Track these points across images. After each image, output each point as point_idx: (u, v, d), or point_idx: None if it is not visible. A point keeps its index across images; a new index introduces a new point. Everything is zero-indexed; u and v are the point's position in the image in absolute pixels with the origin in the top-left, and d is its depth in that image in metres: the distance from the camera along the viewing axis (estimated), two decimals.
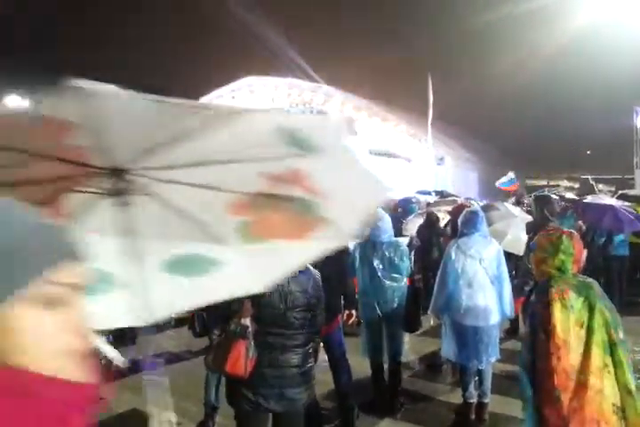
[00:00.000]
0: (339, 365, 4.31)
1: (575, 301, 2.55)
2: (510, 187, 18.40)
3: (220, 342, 2.78)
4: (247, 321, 2.76)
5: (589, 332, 2.51)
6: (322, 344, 4.18)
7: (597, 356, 2.48)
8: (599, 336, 2.50)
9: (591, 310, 2.54)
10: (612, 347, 2.51)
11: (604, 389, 2.46)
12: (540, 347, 2.54)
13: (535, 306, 2.67)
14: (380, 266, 4.55)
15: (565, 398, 2.45)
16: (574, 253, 2.70)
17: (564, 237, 2.73)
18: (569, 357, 2.47)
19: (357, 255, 4.63)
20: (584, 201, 8.04)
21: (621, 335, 2.56)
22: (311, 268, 3.02)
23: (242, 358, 2.69)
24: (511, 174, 18.35)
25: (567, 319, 2.51)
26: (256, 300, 2.77)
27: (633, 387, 2.48)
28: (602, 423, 2.43)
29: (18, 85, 36.79)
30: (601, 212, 7.20)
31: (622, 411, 2.46)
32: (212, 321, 4.32)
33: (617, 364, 2.50)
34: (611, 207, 7.20)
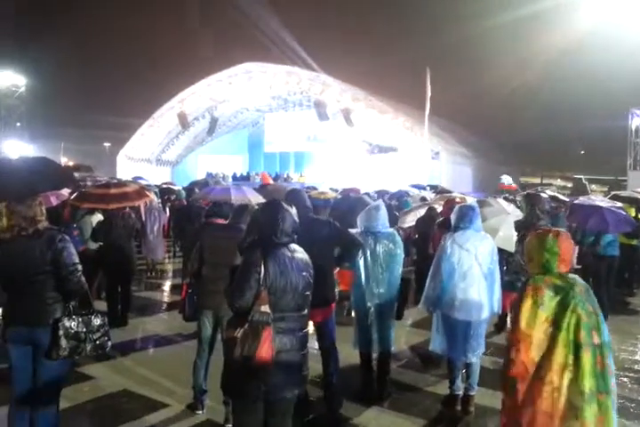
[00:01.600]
0: (329, 353, 4.35)
1: (548, 299, 2.62)
2: (510, 186, 19.85)
3: (246, 333, 2.75)
4: (267, 308, 2.78)
5: (557, 330, 2.58)
6: (314, 332, 4.24)
7: (561, 354, 2.56)
8: (567, 336, 2.58)
9: (564, 309, 2.60)
10: (577, 348, 2.57)
11: (562, 387, 2.54)
12: (508, 338, 2.70)
13: (515, 301, 2.77)
14: (381, 256, 4.58)
15: (521, 388, 2.58)
16: (559, 252, 2.75)
17: (550, 236, 2.78)
18: (530, 351, 2.58)
19: None
20: (574, 202, 8.09)
21: (596, 340, 2.59)
22: (301, 249, 3.05)
23: (270, 345, 2.73)
24: (508, 178, 20.09)
25: (534, 315, 2.60)
26: (270, 287, 2.80)
27: (588, 390, 2.53)
28: (555, 418, 2.55)
29: (10, 61, 36.37)
30: (588, 212, 7.23)
31: (577, 410, 2.54)
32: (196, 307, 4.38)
33: (578, 366, 2.56)
34: (598, 208, 7.22)
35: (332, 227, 4.30)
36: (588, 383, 2.53)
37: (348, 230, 4.47)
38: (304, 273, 2.95)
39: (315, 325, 4.26)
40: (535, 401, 2.55)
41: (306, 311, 2.97)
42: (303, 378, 2.98)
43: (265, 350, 2.71)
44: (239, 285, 2.82)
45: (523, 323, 2.59)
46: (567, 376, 2.54)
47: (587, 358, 2.54)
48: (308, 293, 2.97)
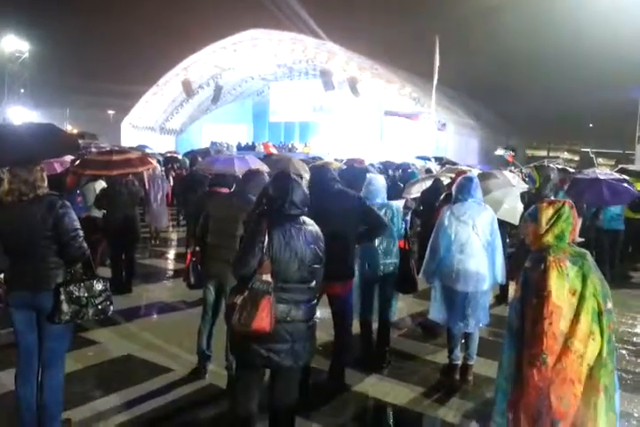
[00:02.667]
0: (345, 326, 4.32)
1: (570, 269, 2.62)
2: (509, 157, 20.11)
3: (245, 300, 2.77)
4: (268, 277, 2.79)
5: (581, 300, 2.59)
6: (334, 303, 4.25)
7: (585, 323, 2.58)
8: (590, 305, 2.59)
9: (584, 279, 2.62)
10: (599, 316, 2.60)
11: (586, 353, 2.58)
12: (532, 311, 2.62)
13: (530, 272, 2.73)
14: None
15: (551, 360, 2.57)
16: (572, 222, 2.76)
17: (566, 206, 2.78)
18: (559, 322, 2.56)
19: None
20: (575, 176, 7.98)
21: (609, 305, 2.67)
22: (312, 222, 3.04)
23: (268, 314, 2.74)
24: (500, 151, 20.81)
25: (562, 287, 2.59)
26: (273, 257, 2.81)
27: (605, 353, 2.61)
28: (576, 383, 2.59)
29: (14, 26, 35.85)
30: (586, 186, 7.12)
31: (591, 370, 2.60)
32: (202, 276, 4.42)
33: (601, 332, 2.61)
34: (597, 181, 7.09)
35: (360, 202, 4.25)
36: (606, 348, 2.61)
37: (375, 209, 4.40)
38: (312, 246, 2.93)
39: (333, 298, 4.24)
40: (564, 370, 2.57)
41: (314, 284, 2.98)
42: (308, 348, 2.99)
43: (262, 318, 2.72)
44: (243, 252, 2.85)
45: (554, 295, 2.58)
46: (591, 344, 2.59)
47: (606, 324, 2.61)
48: (316, 265, 2.97)
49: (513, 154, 21.08)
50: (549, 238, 2.75)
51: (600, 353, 2.60)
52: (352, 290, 4.39)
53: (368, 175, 5.11)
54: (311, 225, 3.01)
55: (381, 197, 4.75)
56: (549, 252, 2.69)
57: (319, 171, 4.42)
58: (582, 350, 2.57)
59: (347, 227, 4.14)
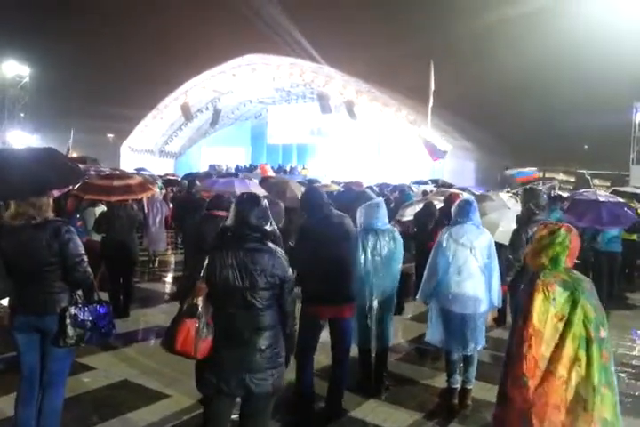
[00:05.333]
0: (345, 350, 4.28)
1: (559, 294, 2.65)
2: (524, 177, 19.75)
3: (172, 322, 2.74)
4: (198, 300, 2.68)
5: (568, 325, 2.61)
6: (335, 327, 4.23)
7: (570, 349, 2.59)
8: (577, 331, 2.61)
9: (574, 304, 2.63)
10: (587, 343, 2.61)
11: (571, 380, 2.58)
12: (517, 334, 2.66)
13: (521, 295, 2.76)
14: (381, 253, 4.58)
15: (532, 384, 2.59)
16: (570, 246, 2.78)
17: (562, 230, 2.81)
18: (541, 346, 2.59)
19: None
20: (575, 197, 8.00)
21: (603, 334, 2.65)
22: (274, 246, 2.87)
23: (191, 338, 2.63)
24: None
25: (546, 311, 2.62)
26: (210, 279, 2.72)
27: (596, 384, 2.58)
28: (562, 410, 2.59)
29: (15, 51, 36.30)
30: (585, 207, 7.13)
31: (586, 402, 2.58)
32: None
33: (589, 360, 2.59)
34: (597, 203, 7.07)
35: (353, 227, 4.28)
36: (597, 377, 2.58)
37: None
38: (264, 272, 2.75)
39: (335, 321, 4.22)
40: (547, 395, 2.57)
41: (271, 311, 2.81)
42: (270, 379, 2.77)
43: (183, 341, 2.64)
44: (188, 274, 2.84)
45: (535, 319, 2.59)
46: (576, 370, 2.58)
47: (596, 352, 2.59)
48: (273, 291, 2.80)
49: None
50: (544, 260, 2.77)
51: (590, 382, 2.58)
52: (353, 317, 4.38)
53: (378, 198, 5.15)
54: (270, 251, 2.82)
55: (384, 222, 4.78)
56: (540, 275, 2.72)
57: (314, 194, 4.33)
58: (566, 375, 2.57)
59: (348, 250, 4.18)
